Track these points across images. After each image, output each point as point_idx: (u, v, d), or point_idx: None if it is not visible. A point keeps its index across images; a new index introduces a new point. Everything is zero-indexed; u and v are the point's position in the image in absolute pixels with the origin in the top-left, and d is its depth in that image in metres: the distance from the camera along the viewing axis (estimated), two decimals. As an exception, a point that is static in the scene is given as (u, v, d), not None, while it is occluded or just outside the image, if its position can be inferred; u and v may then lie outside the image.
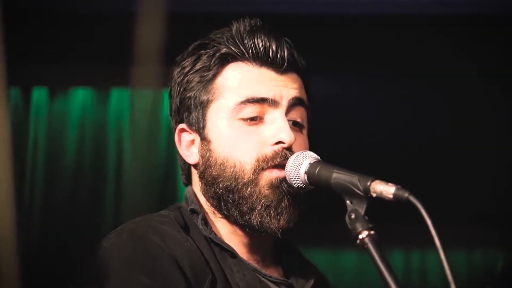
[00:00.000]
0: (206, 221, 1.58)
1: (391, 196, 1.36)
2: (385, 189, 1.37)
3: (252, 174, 1.55)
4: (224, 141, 1.58)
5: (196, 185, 1.65)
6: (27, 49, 3.62)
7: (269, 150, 1.56)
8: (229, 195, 1.56)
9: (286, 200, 1.55)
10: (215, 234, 1.57)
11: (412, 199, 1.32)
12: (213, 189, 1.58)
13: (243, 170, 1.55)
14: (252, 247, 1.61)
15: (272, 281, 1.59)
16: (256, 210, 1.54)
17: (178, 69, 1.65)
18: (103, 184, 3.72)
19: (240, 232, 1.61)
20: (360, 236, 1.36)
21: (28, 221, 3.62)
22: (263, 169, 1.55)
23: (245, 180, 1.55)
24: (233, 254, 1.56)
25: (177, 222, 1.55)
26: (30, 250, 3.58)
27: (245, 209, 1.55)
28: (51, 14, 3.64)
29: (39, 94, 3.78)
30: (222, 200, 1.57)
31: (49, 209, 3.66)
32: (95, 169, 3.74)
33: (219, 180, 1.57)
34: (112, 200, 3.71)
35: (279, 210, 1.55)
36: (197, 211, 1.60)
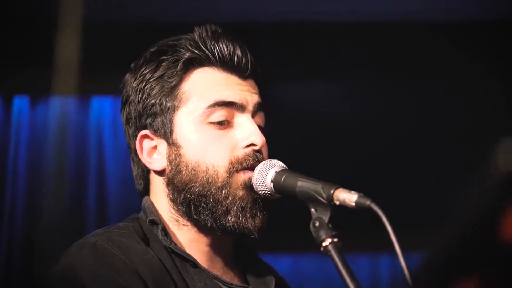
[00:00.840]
0: (166, 232, 1.58)
1: (353, 204, 1.38)
2: (348, 197, 1.39)
3: (227, 177, 1.55)
4: (195, 146, 1.58)
5: (156, 193, 1.64)
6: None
7: (240, 153, 1.58)
8: (201, 199, 1.56)
9: (260, 200, 1.57)
10: (175, 244, 1.57)
11: (374, 206, 1.34)
12: (183, 195, 1.58)
13: (216, 174, 1.56)
14: (213, 255, 1.62)
15: None
16: (232, 212, 1.55)
17: (137, 76, 1.64)
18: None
19: (203, 239, 1.61)
20: (324, 244, 1.38)
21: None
22: (236, 171, 1.56)
23: (219, 184, 1.55)
24: (194, 263, 1.56)
25: (136, 234, 1.55)
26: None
27: (219, 212, 1.55)
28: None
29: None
30: (192, 205, 1.57)
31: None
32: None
33: (190, 185, 1.57)
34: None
35: (254, 211, 1.56)
36: (157, 221, 1.59)
